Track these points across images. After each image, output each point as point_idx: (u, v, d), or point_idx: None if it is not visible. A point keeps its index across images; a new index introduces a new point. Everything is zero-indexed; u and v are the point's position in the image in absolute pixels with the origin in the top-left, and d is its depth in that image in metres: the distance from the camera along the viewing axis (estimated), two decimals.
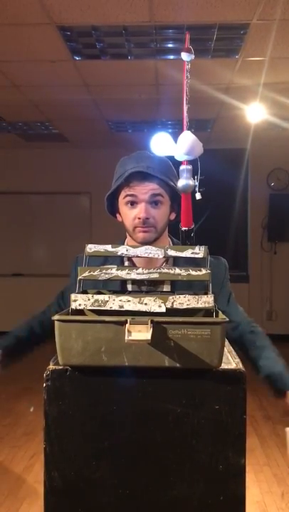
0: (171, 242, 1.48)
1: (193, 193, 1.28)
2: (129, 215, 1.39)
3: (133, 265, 1.43)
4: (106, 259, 1.39)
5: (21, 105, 4.67)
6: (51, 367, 1.01)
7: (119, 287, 1.38)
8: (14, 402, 4.34)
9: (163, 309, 1.03)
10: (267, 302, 6.58)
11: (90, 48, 3.37)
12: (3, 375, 1.38)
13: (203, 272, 1.13)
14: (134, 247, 1.25)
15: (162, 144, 1.25)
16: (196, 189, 1.28)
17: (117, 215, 1.47)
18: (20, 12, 2.84)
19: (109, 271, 1.14)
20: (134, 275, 1.14)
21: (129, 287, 1.41)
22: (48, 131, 5.77)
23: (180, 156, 1.22)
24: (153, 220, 1.38)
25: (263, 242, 6.63)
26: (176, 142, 1.25)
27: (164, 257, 1.28)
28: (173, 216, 1.45)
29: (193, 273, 1.13)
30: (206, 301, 1.04)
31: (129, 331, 0.95)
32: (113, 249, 1.22)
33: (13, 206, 6.77)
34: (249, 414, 3.70)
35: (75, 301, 1.07)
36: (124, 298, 1.04)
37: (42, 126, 5.55)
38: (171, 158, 1.31)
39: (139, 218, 1.37)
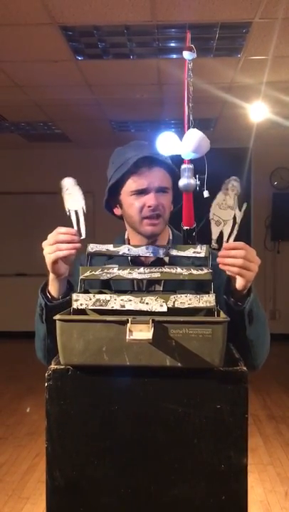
0: (171, 233, 1.43)
1: (201, 191, 1.26)
2: (137, 204, 1.30)
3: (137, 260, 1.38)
4: (110, 258, 1.34)
5: (24, 105, 4.68)
6: (53, 366, 1.01)
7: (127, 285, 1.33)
8: (18, 402, 4.35)
9: (164, 309, 1.03)
10: (270, 301, 6.58)
11: (92, 47, 3.37)
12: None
13: (205, 271, 1.13)
14: (135, 246, 1.25)
15: (168, 143, 1.23)
16: (204, 187, 1.26)
17: (115, 209, 1.39)
18: (22, 12, 2.84)
19: (110, 270, 1.14)
20: (135, 275, 1.14)
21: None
22: (50, 131, 5.78)
23: (187, 154, 1.20)
24: (162, 209, 1.31)
25: (266, 241, 6.62)
26: (181, 141, 1.23)
27: (165, 256, 1.27)
28: (171, 207, 1.38)
29: (195, 272, 1.13)
30: (208, 300, 1.04)
31: (130, 331, 0.95)
32: (115, 249, 1.22)
33: (17, 206, 6.78)
34: (252, 414, 3.72)
35: (76, 300, 1.07)
36: (125, 297, 1.04)
37: (44, 127, 5.56)
38: (178, 157, 1.29)
39: (149, 206, 1.29)
